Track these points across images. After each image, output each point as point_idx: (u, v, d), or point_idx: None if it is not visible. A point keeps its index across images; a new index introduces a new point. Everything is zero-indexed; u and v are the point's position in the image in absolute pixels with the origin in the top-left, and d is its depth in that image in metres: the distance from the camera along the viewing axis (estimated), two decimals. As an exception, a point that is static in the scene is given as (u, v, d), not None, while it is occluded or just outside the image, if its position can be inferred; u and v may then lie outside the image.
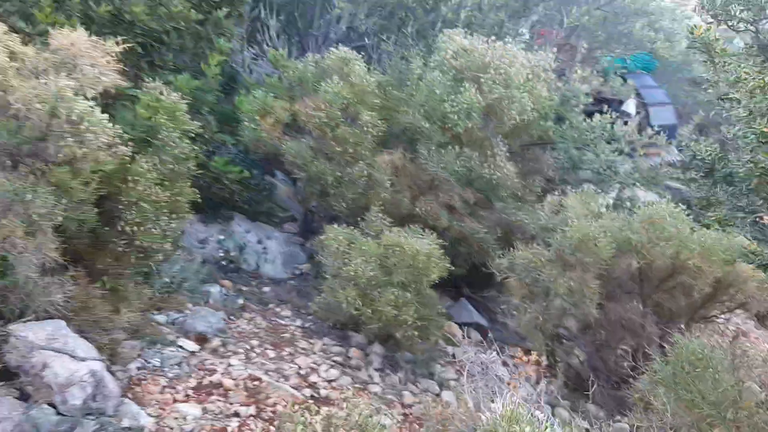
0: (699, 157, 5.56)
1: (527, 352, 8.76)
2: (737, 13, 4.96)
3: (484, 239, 8.08)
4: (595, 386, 7.76)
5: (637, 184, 8.92)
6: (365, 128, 7.73)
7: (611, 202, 9.50)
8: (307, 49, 9.73)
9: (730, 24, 5.07)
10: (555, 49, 8.74)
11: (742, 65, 4.89)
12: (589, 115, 9.01)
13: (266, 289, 8.12)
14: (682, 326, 7.97)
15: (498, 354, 8.65)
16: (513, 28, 9.35)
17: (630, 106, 14.48)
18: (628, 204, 9.71)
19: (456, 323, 8.68)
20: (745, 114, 4.73)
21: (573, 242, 6.98)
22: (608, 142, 8.40)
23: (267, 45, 9.40)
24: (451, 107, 7.79)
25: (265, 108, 7.68)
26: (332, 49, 8.07)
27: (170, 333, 6.55)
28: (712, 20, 5.10)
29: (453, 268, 7.31)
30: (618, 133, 8.37)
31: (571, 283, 6.91)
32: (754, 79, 4.68)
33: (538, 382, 7.96)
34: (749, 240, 5.26)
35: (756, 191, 5.02)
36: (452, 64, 8.07)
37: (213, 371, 6.23)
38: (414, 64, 8.31)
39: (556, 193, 9.20)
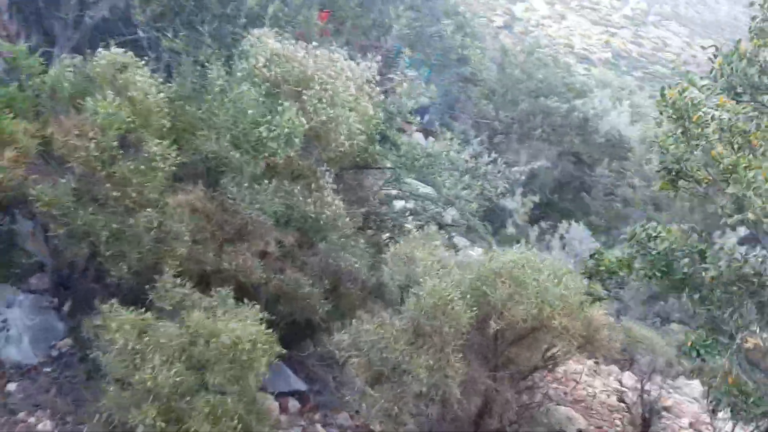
0: (654, 252, 4.28)
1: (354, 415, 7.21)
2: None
3: (310, 294, 6.27)
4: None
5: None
6: (153, 161, 5.47)
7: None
8: (56, 41, 7.03)
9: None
10: (380, 58, 7.09)
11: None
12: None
13: (12, 386, 5.58)
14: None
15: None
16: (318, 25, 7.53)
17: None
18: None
19: (271, 393, 6.80)
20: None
21: (428, 308, 5.45)
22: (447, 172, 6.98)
23: (-3, 32, 6.57)
24: (268, 131, 5.82)
25: (1, 135, 5.06)
26: (101, 50, 5.61)
27: None
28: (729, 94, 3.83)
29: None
30: (458, 160, 6.99)
31: (429, 361, 5.39)
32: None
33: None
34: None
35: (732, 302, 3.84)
36: (265, 75, 6.08)
37: None
38: (214, 73, 6.12)
39: (383, 230, 7.71)
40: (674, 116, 4.01)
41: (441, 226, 9.25)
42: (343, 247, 6.65)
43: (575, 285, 6.06)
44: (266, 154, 5.91)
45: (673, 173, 4.31)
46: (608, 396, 9.76)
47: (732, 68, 3.88)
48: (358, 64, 6.93)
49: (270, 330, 5.23)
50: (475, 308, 5.51)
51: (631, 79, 31.00)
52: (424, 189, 8.76)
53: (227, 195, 5.97)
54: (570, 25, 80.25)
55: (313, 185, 6.42)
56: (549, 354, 6.68)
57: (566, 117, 16.36)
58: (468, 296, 5.59)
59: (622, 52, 77.01)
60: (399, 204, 9.53)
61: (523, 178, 16.47)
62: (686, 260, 4.08)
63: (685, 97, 3.98)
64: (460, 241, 12.20)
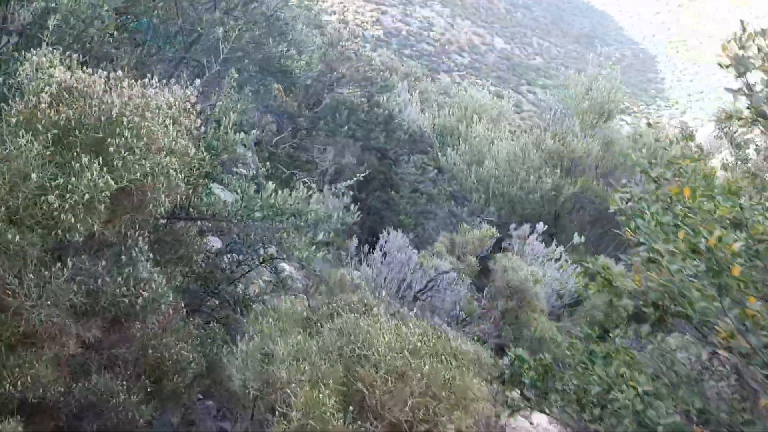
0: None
1: None
2: None
3: (126, 403, 4.70)
4: None
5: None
6: None
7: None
8: None
9: None
10: (198, 82, 5.52)
11: None
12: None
13: None
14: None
15: None
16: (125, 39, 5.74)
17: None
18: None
19: None
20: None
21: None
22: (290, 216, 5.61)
23: None
24: (60, 200, 4.12)
25: None
26: None
27: None
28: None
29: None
30: (306, 212, 5.64)
31: None
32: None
33: None
34: None
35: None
36: (52, 119, 4.30)
37: None
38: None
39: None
40: (706, 260, 3.00)
41: (264, 260, 7.99)
42: (164, 329, 5.14)
43: (458, 360, 5.16)
44: (59, 230, 4.21)
45: (661, 309, 3.35)
46: None
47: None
48: (171, 89, 5.32)
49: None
50: (355, 418, 4.37)
51: (415, 64, 31.25)
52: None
53: (6, 289, 4.17)
54: (343, 1, 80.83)
55: (123, 258, 4.79)
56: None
57: (370, 113, 15.56)
58: (344, 400, 4.44)
59: (393, 29, 79.46)
60: (215, 242, 8.07)
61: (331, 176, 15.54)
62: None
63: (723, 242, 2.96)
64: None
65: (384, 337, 4.78)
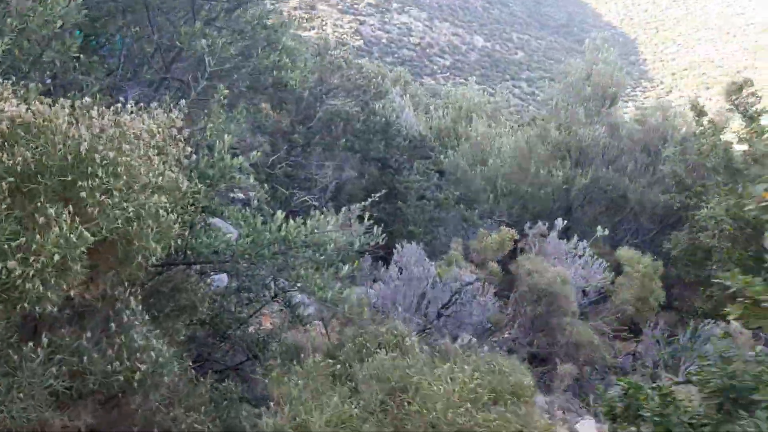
0: None
1: None
2: None
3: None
4: None
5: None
6: None
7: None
8: None
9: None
10: (183, 103, 4.62)
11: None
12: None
13: None
14: None
15: None
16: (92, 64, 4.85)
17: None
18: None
19: None
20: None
21: None
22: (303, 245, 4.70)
23: None
24: (23, 265, 3.21)
25: None
26: None
27: None
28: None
29: None
30: (323, 242, 4.76)
31: None
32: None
33: None
34: None
35: None
36: (6, 165, 3.40)
37: None
38: None
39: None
40: None
41: (275, 295, 7.09)
42: (171, 401, 4.23)
43: (522, 400, 4.27)
44: (24, 304, 3.30)
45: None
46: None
47: None
48: (151, 114, 4.42)
49: None
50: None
51: (403, 70, 30.40)
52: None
53: (-39, 384, 3.26)
54: (321, 15, 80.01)
55: (112, 325, 3.88)
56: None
57: (366, 122, 14.67)
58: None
59: (372, 38, 78.66)
60: (220, 279, 7.16)
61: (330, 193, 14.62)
62: None
63: None
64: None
65: (440, 388, 3.88)
